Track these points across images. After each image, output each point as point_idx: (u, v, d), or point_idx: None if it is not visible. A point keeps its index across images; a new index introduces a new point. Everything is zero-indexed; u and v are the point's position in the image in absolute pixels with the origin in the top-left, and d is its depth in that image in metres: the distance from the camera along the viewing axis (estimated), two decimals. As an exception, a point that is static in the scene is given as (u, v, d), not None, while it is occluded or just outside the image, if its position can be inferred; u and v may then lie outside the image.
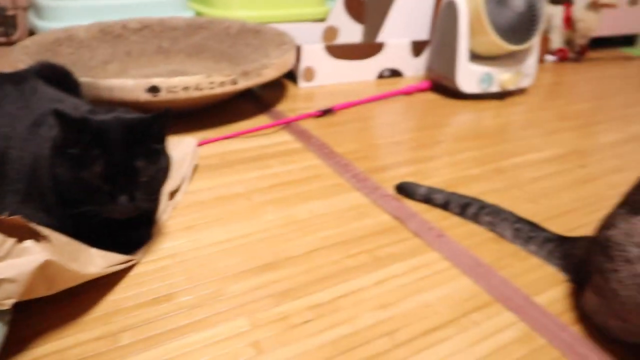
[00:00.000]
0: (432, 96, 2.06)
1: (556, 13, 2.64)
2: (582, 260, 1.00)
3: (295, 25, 2.34)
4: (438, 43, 2.10)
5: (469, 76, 2.02)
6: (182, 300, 0.95)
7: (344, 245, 1.12)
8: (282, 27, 2.21)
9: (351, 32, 2.24)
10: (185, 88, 1.49)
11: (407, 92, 2.03)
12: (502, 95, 2.10)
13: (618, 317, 0.87)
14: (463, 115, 1.91)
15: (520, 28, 1.99)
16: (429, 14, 2.21)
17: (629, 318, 0.85)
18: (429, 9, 2.19)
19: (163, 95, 1.47)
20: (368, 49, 2.14)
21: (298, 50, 2.01)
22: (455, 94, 2.05)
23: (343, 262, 1.07)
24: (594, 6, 2.57)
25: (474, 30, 1.98)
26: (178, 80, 1.47)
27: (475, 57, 2.06)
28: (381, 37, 2.16)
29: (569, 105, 2.12)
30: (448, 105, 1.99)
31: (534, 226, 1.15)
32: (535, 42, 2.06)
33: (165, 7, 2.41)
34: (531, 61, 2.10)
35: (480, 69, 2.03)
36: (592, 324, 0.93)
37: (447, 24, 2.01)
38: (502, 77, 2.05)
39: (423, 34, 2.21)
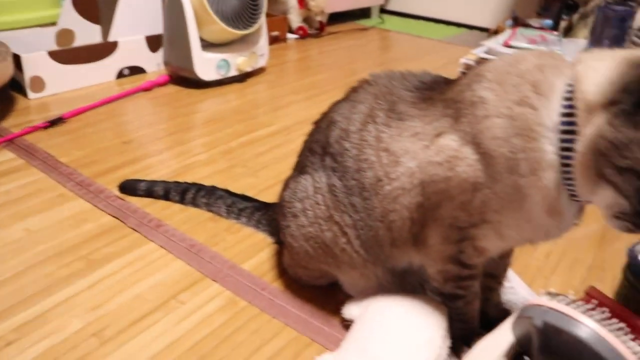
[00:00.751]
0: (172, 89, 2.07)
1: (291, -6, 2.82)
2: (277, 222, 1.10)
3: (24, 32, 2.17)
4: (170, 36, 2.12)
5: (206, 64, 2.07)
6: None
7: (58, 257, 1.09)
8: (5, 35, 2.03)
9: (88, 34, 2.15)
10: None
11: (146, 88, 2.02)
12: (242, 77, 2.20)
13: (301, 266, 0.99)
14: (202, 104, 1.96)
15: (244, 13, 2.09)
16: (159, 8, 2.20)
17: (308, 265, 0.97)
18: (158, 3, 2.18)
19: None
20: (101, 49, 2.07)
21: (17, 59, 1.86)
22: (197, 84, 2.09)
23: (56, 274, 1.04)
24: (320, -15, 2.80)
25: (201, 20, 2.02)
26: None
27: (209, 45, 2.12)
28: (113, 36, 2.10)
29: (305, 79, 2.31)
30: (189, 95, 2.02)
31: (246, 199, 1.24)
32: (261, 24, 2.18)
33: None
34: (262, 42, 2.23)
35: (216, 56, 2.09)
36: (289, 277, 1.04)
37: (175, 16, 2.03)
38: (237, 61, 2.14)
39: (157, 28, 2.20)
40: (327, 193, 0.88)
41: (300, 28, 2.89)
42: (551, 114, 0.66)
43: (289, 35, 2.86)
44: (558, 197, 0.68)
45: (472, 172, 0.72)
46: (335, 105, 0.95)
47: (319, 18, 2.96)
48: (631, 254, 0.83)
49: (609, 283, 0.93)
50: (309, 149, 0.97)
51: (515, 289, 1.06)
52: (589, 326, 0.53)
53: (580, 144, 0.63)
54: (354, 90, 0.94)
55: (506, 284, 1.06)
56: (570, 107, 0.65)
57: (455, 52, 2.72)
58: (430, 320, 0.83)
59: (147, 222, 1.20)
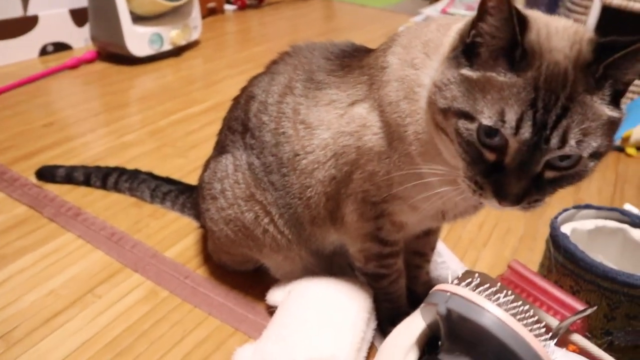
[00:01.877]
0: (100, 66, 1.96)
1: (226, -37, 2.70)
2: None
3: None
4: (95, 9, 1.99)
5: (137, 39, 1.96)
6: None
7: (-36, 256, 1.01)
8: None
9: (7, 7, 1.99)
10: None
11: (72, 66, 1.90)
12: (177, 51, 2.10)
13: (224, 251, 0.95)
14: (132, 81, 1.86)
15: (174, -17, 1.99)
16: (83, -22, 2.06)
17: (231, 250, 0.93)
18: (81, -27, 2.05)
19: None
20: (20, 24, 1.93)
21: None
22: (129, 60, 1.98)
23: (-40, 275, 0.97)
24: (257, -47, 2.69)
25: (130, -8, 1.91)
26: None
27: (140, 18, 2.01)
28: (32, 9, 1.96)
29: (243, 52, 2.23)
30: (118, 73, 1.92)
31: (170, 182, 1.18)
32: (193, -5, 2.09)
33: None
34: (195, 13, 2.13)
35: (148, 30, 1.98)
36: (214, 263, 1.00)
37: (96, -13, 1.91)
38: (171, 35, 2.04)
39: (82, 1, 2.07)
40: (247, 171, 0.84)
41: (238, -2, 2.78)
42: (432, 73, 0.63)
43: (227, 7, 2.75)
44: None
45: (376, 141, 0.69)
46: (255, 78, 0.90)
47: (259, -13, 2.86)
48: (553, 225, 0.83)
49: (540, 252, 0.93)
50: (228, 127, 0.92)
51: (447, 263, 1.05)
52: (492, 313, 0.51)
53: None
54: (274, 62, 0.89)
55: (437, 259, 1.05)
56: None
57: (397, 21, 2.68)
58: (354, 302, 0.80)
59: (65, 210, 1.13)
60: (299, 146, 0.77)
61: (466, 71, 0.55)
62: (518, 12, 0.52)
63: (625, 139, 1.59)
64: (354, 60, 0.77)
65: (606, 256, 0.87)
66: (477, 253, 1.11)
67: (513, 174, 0.54)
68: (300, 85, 0.79)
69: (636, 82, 1.90)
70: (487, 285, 0.54)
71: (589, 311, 0.67)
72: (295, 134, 0.77)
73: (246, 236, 0.85)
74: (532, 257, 1.09)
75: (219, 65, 2.04)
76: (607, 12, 1.85)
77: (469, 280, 0.56)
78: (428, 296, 0.60)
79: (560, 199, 1.35)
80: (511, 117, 0.52)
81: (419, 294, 0.90)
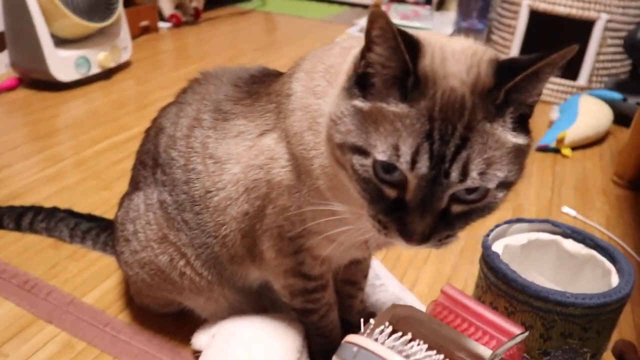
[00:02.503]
0: (22, 94, 1.85)
1: (157, -20, 2.62)
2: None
3: None
4: (13, 34, 1.88)
5: (62, 63, 1.86)
6: None
7: None
8: None
9: None
10: None
11: (-10, 95, 1.79)
12: (108, 74, 2.01)
13: (144, 294, 0.88)
14: (56, 109, 1.76)
15: (99, 4, 1.90)
16: (-1, 2, 1.95)
17: (150, 294, 0.86)
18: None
19: None
20: None
21: None
22: (55, 86, 1.88)
23: None
24: (188, -31, 2.63)
25: (50, 14, 1.80)
26: None
27: (64, 41, 1.91)
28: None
29: (176, 71, 2.15)
30: (42, 100, 1.81)
31: (91, 219, 1.10)
32: (120, 13, 2.00)
33: None
34: (123, 34, 2.05)
35: (73, 53, 1.88)
36: (137, 306, 0.93)
37: (16, 11, 1.80)
38: (98, 57, 1.94)
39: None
40: (158, 210, 0.78)
41: (173, 16, 2.70)
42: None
43: (162, 24, 2.67)
44: None
45: (284, 174, 0.65)
46: (164, 109, 0.84)
47: (193, 4, 2.79)
48: (484, 244, 0.80)
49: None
50: (140, 161, 0.85)
51: (386, 285, 1.01)
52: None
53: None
54: (183, 90, 0.84)
55: (376, 281, 1.01)
56: None
57: (334, 32, 2.66)
58: (281, 343, 0.75)
59: (-26, 258, 1.04)
60: (209, 182, 0.72)
61: (358, 102, 0.51)
62: (407, 38, 0.48)
63: (560, 140, 1.60)
64: (261, 87, 0.73)
65: (541, 270, 0.85)
66: (417, 272, 1.07)
67: (416, 211, 0.49)
68: (208, 116, 0.74)
69: (566, 82, 1.94)
70: (399, 334, 0.50)
71: (519, 338, 0.64)
72: (205, 169, 0.72)
73: (163, 280, 0.79)
74: (473, 270, 1.06)
75: (152, 87, 1.96)
76: (535, 17, 1.87)
77: (382, 328, 0.51)
78: (339, 348, 0.55)
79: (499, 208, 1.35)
80: (406, 150, 0.47)
81: (355, 323, 0.86)
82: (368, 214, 0.53)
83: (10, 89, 1.86)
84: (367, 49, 0.51)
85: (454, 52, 0.50)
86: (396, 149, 0.48)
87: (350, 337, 0.53)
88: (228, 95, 0.74)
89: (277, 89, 0.68)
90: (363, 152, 0.50)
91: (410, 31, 0.51)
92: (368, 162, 0.50)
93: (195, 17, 2.82)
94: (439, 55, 0.50)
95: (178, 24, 2.72)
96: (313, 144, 0.60)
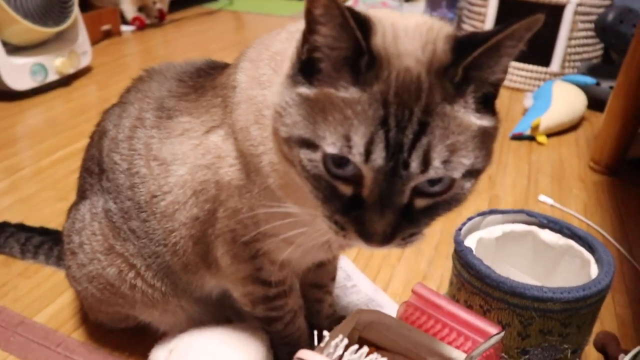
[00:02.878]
0: (-25, 104, 1.77)
1: (118, -18, 2.54)
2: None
3: None
4: (-36, 42, 1.79)
5: (16, 71, 1.77)
6: None
7: None
8: None
9: None
10: None
11: (-59, 108, 1.70)
12: (67, 81, 1.93)
13: (97, 309, 0.82)
14: (11, 119, 1.68)
15: (51, 8, 1.82)
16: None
17: (102, 309, 0.80)
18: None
19: None
20: None
21: None
22: (10, 95, 1.79)
23: None
24: (150, -31, 2.55)
25: (1, 21, 1.72)
26: None
27: (18, 48, 1.83)
28: None
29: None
30: (0, 110, 1.73)
31: (44, 233, 1.03)
32: (76, 17, 1.92)
33: None
34: (81, 38, 1.97)
35: (27, 60, 1.80)
36: (93, 323, 0.87)
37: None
38: (55, 63, 1.86)
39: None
40: (103, 219, 0.72)
41: (136, 18, 2.62)
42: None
43: (124, 28, 2.59)
44: None
45: (232, 173, 0.59)
46: (107, 111, 0.79)
47: (157, 6, 2.71)
48: (457, 239, 0.75)
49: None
50: (85, 169, 0.80)
51: (358, 286, 0.96)
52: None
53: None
54: (126, 90, 0.78)
55: (347, 283, 0.96)
56: None
57: (305, 28, 2.61)
58: (244, 352, 0.70)
59: None
60: (155, 186, 0.66)
61: (303, 89, 0.45)
62: (355, 14, 0.43)
63: (535, 128, 1.57)
64: (207, 80, 0.67)
65: (518, 264, 0.81)
66: (391, 270, 1.03)
67: (375, 208, 0.44)
68: (150, 115, 0.68)
69: (539, 69, 1.91)
70: (355, 347, 0.45)
71: (496, 338, 0.60)
72: (150, 172, 0.66)
73: (113, 294, 0.73)
74: (449, 266, 1.01)
75: (114, 92, 1.84)
76: (505, 4, 1.84)
77: (336, 341, 0.46)
78: (293, 363, 0.50)
79: (474, 197, 1.31)
80: (358, 140, 0.42)
81: (324, 328, 0.81)
82: (323, 214, 0.48)
83: (-37, 100, 1.77)
84: (309, 30, 0.45)
85: (407, 29, 0.45)
86: (347, 139, 0.43)
87: (301, 353, 0.48)
88: (172, 91, 0.69)
89: (223, 82, 0.63)
90: (311, 145, 0.45)
91: (357, 9, 0.46)
92: (317, 156, 0.45)
93: (160, 19, 2.75)
94: (391, 32, 0.45)
95: (142, 27, 2.64)
96: (260, 139, 0.55)
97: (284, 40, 0.57)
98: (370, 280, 0.98)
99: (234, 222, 0.62)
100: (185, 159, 0.64)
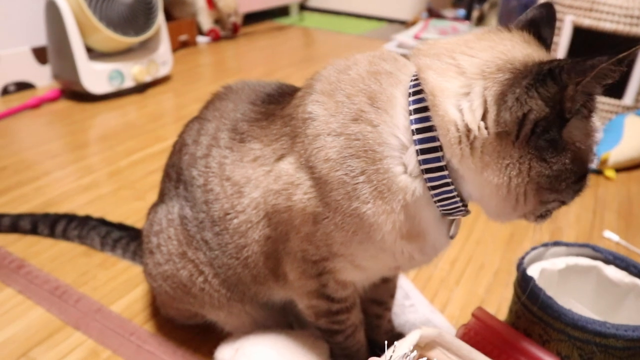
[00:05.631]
0: (63, 105, 1.90)
1: (199, -5, 2.67)
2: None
3: None
4: (54, 47, 1.94)
5: (95, 76, 1.90)
6: None
7: None
8: None
9: None
10: None
11: (33, 106, 1.84)
12: (142, 88, 2.04)
13: (169, 306, 0.88)
14: (94, 119, 1.80)
15: (134, 19, 1.93)
16: (43, 16, 2.01)
17: (174, 305, 0.86)
18: (40, 10, 1.98)
19: None
20: (-21, 64, 1.87)
21: None
22: (91, 98, 1.92)
23: None
24: (228, -16, 2.67)
25: (85, 28, 1.85)
26: None
27: (102, 55, 1.96)
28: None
29: (213, 84, 2.16)
30: (82, 111, 1.86)
31: (122, 229, 1.11)
32: (159, 29, 2.04)
33: None
34: (162, 49, 2.08)
35: (107, 66, 1.91)
36: (163, 317, 0.93)
37: (55, 24, 1.86)
38: (133, 71, 1.97)
39: (44, 39, 2.01)
40: (179, 226, 0.78)
41: (211, 30, 2.74)
42: (395, 131, 0.57)
43: (200, 39, 2.72)
44: (419, 219, 0.60)
45: (308, 201, 0.62)
46: (188, 124, 0.84)
47: (232, 19, 2.83)
48: (520, 267, 0.76)
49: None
50: (166, 174, 0.85)
51: (416, 306, 0.98)
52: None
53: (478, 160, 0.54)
54: (205, 106, 0.83)
55: (405, 302, 0.98)
56: (423, 121, 0.56)
57: (373, 47, 2.64)
58: (306, 359, 0.73)
59: (8, 263, 1.06)
60: (228, 205, 0.70)
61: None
62: None
63: (603, 161, 1.54)
64: (277, 108, 0.70)
65: (580, 297, 0.81)
66: (449, 293, 1.04)
67: None
68: (225, 135, 0.72)
69: (611, 101, 1.87)
70: None
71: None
72: (223, 191, 0.70)
73: (185, 293, 0.79)
74: (507, 294, 1.02)
75: (188, 99, 1.99)
76: (579, 33, 1.82)
77: (406, 352, 0.49)
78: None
79: (536, 228, 1.30)
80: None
81: (382, 343, 0.83)
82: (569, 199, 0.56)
83: (52, 100, 1.91)
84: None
85: None
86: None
87: (373, 362, 0.51)
88: (245, 114, 0.73)
89: (291, 113, 0.66)
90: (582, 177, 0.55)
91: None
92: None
93: (234, 32, 2.86)
94: None
95: (216, 39, 2.76)
96: (361, 169, 0.58)
97: (374, 80, 0.60)
98: (428, 301, 1.00)
99: (306, 244, 0.65)
100: (258, 184, 0.67)
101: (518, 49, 0.55)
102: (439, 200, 0.58)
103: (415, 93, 0.57)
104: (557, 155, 0.52)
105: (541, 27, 0.60)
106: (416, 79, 0.58)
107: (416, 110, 0.56)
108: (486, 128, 0.52)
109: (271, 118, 0.69)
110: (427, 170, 0.56)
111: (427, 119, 0.56)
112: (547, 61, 0.51)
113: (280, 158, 0.65)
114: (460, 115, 0.53)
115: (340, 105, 0.60)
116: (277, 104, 0.71)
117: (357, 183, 0.58)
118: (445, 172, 0.56)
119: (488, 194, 0.56)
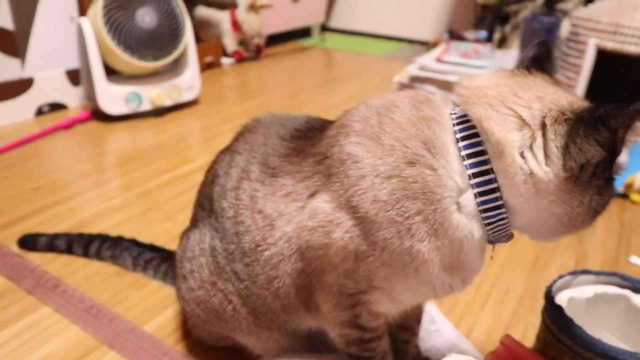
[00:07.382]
0: (94, 125, 1.96)
1: (224, 18, 2.74)
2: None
3: None
4: (83, 68, 2.00)
5: (112, 97, 1.95)
6: None
7: (-64, 333, 0.97)
8: None
9: (6, 68, 1.98)
10: None
11: (66, 126, 1.90)
12: (160, 112, 2.07)
13: (201, 328, 0.90)
14: (121, 141, 1.85)
15: (154, 44, 1.97)
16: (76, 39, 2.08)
17: (206, 328, 0.88)
18: (74, 34, 2.06)
19: None
20: (14, 86, 1.94)
21: None
22: (118, 118, 1.98)
23: None
24: (253, 8, 2.73)
25: (105, 51, 1.91)
26: None
27: (123, 77, 2.01)
28: (28, 70, 1.97)
29: (237, 106, 2.22)
30: (109, 131, 1.91)
31: (153, 250, 1.14)
32: (187, 55, 2.09)
33: None
34: (188, 74, 2.12)
35: (124, 88, 1.97)
36: (194, 338, 0.95)
37: (83, 47, 1.93)
38: (151, 94, 2.01)
39: (77, 61, 2.08)
40: (209, 257, 0.80)
41: (235, 52, 2.80)
42: (452, 174, 0.60)
43: (224, 60, 2.78)
44: (466, 253, 0.63)
45: (350, 240, 0.64)
46: (219, 155, 0.86)
47: (255, 40, 2.89)
48: (548, 295, 0.77)
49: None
50: (199, 202, 0.88)
51: (441, 331, 0.99)
52: None
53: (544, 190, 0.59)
54: (236, 138, 0.85)
55: (431, 326, 0.99)
56: (478, 165, 0.60)
57: (394, 69, 2.68)
58: (336, 385, 0.75)
59: (45, 282, 1.09)
60: (259, 237, 0.72)
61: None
62: None
63: (629, 186, 1.54)
64: (307, 145, 0.72)
65: (608, 326, 0.81)
66: (474, 317, 1.04)
67: None
68: (256, 169, 0.75)
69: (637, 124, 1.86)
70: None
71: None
72: (254, 224, 0.72)
73: (217, 318, 0.81)
74: (533, 319, 1.03)
75: (214, 121, 2.03)
76: (603, 56, 1.82)
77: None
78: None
79: (561, 252, 1.30)
80: None
81: (409, 368, 0.84)
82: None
83: (83, 120, 1.97)
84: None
85: None
86: None
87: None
88: (275, 149, 0.75)
89: (324, 152, 0.68)
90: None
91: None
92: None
93: (257, 53, 2.92)
94: None
95: (240, 60, 2.82)
96: (417, 210, 0.60)
97: (421, 125, 0.62)
98: (453, 325, 1.01)
99: (344, 279, 0.67)
100: (291, 218, 0.69)
101: (560, 94, 0.61)
102: (492, 234, 0.63)
103: (464, 138, 0.61)
104: (609, 186, 0.60)
105: (544, 63, 0.66)
106: (460, 124, 0.62)
107: (470, 155, 0.60)
108: (552, 172, 0.58)
109: (302, 155, 0.71)
110: (486, 210, 0.61)
111: (483, 162, 0.60)
112: (594, 108, 0.58)
113: (312, 195, 0.67)
114: (524, 162, 0.59)
115: (390, 149, 0.62)
116: (307, 140, 0.73)
117: (413, 223, 0.60)
118: (503, 210, 0.61)
119: (545, 223, 0.62)
